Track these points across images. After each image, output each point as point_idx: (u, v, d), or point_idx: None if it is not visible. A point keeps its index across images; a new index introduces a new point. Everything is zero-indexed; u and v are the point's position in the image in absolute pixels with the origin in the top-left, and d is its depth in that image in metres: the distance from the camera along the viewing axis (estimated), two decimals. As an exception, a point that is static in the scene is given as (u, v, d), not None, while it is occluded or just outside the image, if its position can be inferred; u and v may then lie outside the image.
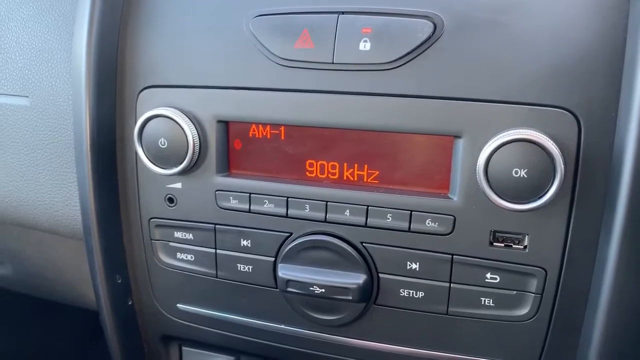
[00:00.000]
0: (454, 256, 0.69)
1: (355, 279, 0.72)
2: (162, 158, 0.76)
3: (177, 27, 0.76)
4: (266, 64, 0.71)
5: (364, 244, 0.73)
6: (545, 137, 0.61)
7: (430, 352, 0.75)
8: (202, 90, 0.75)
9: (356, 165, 0.72)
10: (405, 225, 0.70)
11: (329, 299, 0.74)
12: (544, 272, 0.67)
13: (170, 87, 0.76)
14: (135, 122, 0.77)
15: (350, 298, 0.72)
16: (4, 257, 1.19)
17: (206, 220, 0.79)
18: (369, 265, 0.73)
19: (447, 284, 0.71)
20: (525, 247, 0.67)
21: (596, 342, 0.66)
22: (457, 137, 0.66)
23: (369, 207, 0.71)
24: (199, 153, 0.75)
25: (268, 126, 0.74)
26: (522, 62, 0.63)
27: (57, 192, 0.91)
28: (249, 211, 0.76)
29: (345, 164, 0.72)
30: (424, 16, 0.65)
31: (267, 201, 0.75)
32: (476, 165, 0.63)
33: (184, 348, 0.96)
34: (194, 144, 0.74)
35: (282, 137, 0.74)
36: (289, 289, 0.75)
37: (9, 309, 1.45)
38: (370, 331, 0.77)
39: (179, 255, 0.83)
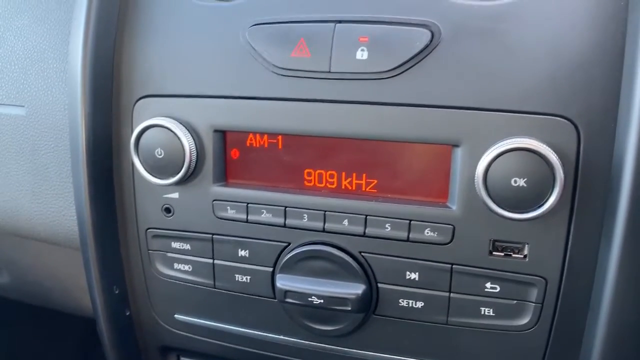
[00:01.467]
0: (454, 266, 0.69)
1: (354, 289, 0.72)
2: (158, 168, 0.75)
3: (173, 36, 0.75)
4: (263, 73, 0.70)
5: (362, 254, 0.72)
6: (544, 146, 0.60)
7: None
8: (199, 100, 0.74)
9: (354, 174, 0.71)
10: (404, 234, 0.69)
11: (328, 309, 0.73)
12: (544, 281, 0.67)
13: (166, 97, 0.76)
14: (132, 132, 0.76)
15: (349, 308, 0.72)
16: (1, 266, 1.19)
17: (203, 231, 0.78)
18: (367, 275, 0.72)
19: (446, 294, 0.70)
20: (525, 256, 0.66)
21: (597, 351, 0.65)
22: (456, 146, 0.66)
23: (368, 217, 0.70)
24: (196, 163, 0.75)
25: (265, 135, 0.73)
26: (520, 71, 0.62)
27: (54, 202, 0.91)
28: (247, 221, 0.76)
29: (343, 173, 0.72)
30: (422, 25, 0.65)
31: (264, 211, 0.74)
32: (475, 174, 0.63)
33: (182, 359, 0.95)
34: (190, 153, 0.73)
35: (280, 147, 0.73)
36: (287, 300, 0.74)
37: (6, 317, 1.45)
38: (369, 341, 0.77)
39: (176, 265, 0.82)
